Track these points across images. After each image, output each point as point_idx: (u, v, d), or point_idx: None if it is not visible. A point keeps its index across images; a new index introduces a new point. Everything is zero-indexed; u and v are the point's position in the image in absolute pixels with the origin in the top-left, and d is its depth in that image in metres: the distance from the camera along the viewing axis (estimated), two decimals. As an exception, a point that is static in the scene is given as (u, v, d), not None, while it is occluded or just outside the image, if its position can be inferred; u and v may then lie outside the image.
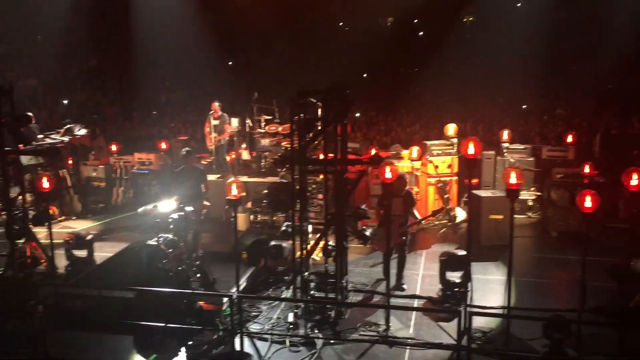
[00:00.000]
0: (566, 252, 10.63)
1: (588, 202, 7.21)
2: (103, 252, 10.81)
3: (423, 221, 10.00)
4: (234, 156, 14.55)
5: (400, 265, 9.45)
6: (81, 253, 10.09)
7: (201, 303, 8.17)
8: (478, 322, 7.75)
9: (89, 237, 10.32)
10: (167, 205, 9.87)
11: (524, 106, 20.97)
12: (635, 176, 7.14)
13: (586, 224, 7.41)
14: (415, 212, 9.48)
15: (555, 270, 10.09)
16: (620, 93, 19.64)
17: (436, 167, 12.55)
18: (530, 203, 13.04)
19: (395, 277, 9.34)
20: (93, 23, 23.09)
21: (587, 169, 11.62)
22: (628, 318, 7.64)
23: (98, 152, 15.82)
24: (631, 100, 18.03)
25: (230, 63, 25.73)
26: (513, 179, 7.59)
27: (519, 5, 25.41)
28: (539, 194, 13.02)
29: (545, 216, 12.46)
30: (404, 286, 9.35)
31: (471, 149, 7.71)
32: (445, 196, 12.39)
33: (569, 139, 13.52)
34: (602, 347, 7.38)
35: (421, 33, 28.95)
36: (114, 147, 15.23)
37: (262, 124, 14.18)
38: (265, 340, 7.83)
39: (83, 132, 14.48)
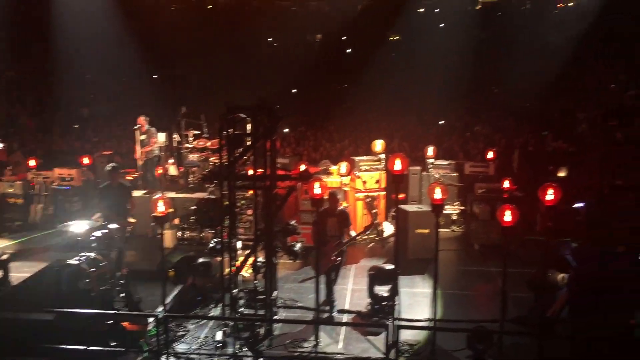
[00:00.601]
0: (488, 265, 11.04)
1: (508, 216, 7.52)
2: (20, 272, 10.28)
3: (357, 238, 9.91)
4: (161, 171, 14.23)
5: (330, 283, 9.26)
6: (-5, 274, 9.56)
7: (125, 324, 7.93)
8: (405, 335, 7.89)
9: (4, 256, 9.81)
10: (80, 226, 9.64)
11: (440, 122, 21.63)
12: (550, 191, 7.48)
13: (506, 237, 7.71)
14: (352, 232, 9.38)
15: (478, 282, 10.44)
16: (536, 112, 20.67)
17: (364, 182, 12.76)
18: (454, 217, 13.54)
19: (326, 293, 9.22)
20: (10, 32, 22.10)
21: (506, 184, 12.15)
22: (546, 327, 7.97)
23: (15, 168, 15.10)
24: (546, 119, 19.05)
25: (155, 76, 25.23)
26: (438, 194, 7.82)
27: (441, 25, 26.36)
28: (462, 208, 13.52)
29: (468, 230, 12.90)
30: (335, 303, 9.26)
31: (398, 165, 7.89)
32: (374, 211, 12.59)
33: (490, 155, 14.09)
34: (522, 355, 7.69)
35: (349, 50, 29.49)
36: (32, 162, 14.57)
37: (190, 139, 13.98)
38: None
39: (-1, 146, 13.82)
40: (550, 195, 7.51)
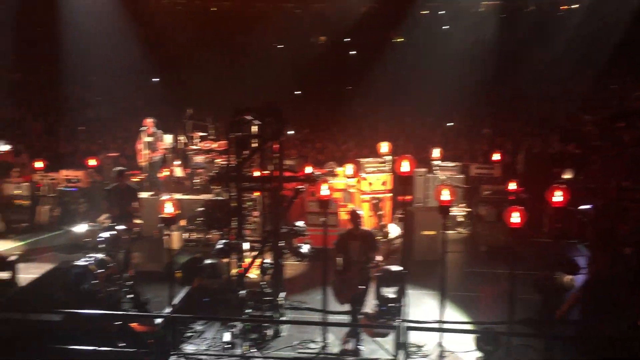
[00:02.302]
0: (494, 267, 11.01)
1: (515, 218, 7.52)
2: (27, 273, 10.30)
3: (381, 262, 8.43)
4: (167, 173, 14.26)
5: (355, 314, 8.27)
6: (3, 275, 9.57)
7: (133, 325, 7.93)
8: (413, 336, 7.88)
9: (12, 257, 9.81)
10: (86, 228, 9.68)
11: (449, 124, 21.68)
12: (558, 193, 7.49)
13: (513, 238, 7.69)
14: (378, 257, 8.25)
15: (485, 284, 10.43)
16: (542, 114, 20.64)
17: (370, 184, 12.77)
18: (460, 219, 13.55)
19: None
20: (16, 34, 22.17)
21: (512, 186, 12.14)
22: (554, 329, 7.97)
23: (22, 169, 15.15)
24: (551, 122, 19.02)
25: (156, 80, 25.25)
26: (445, 195, 7.83)
27: (445, 27, 26.36)
28: (468, 210, 13.52)
29: (474, 231, 12.90)
30: (360, 335, 8.25)
31: (405, 167, 7.90)
32: (379, 213, 12.59)
33: (496, 157, 14.09)
34: (530, 357, 7.66)
35: (353, 52, 29.50)
36: (39, 164, 14.61)
37: (196, 141, 14.00)
38: None
39: (6, 148, 13.86)
40: (558, 196, 7.52)
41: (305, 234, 9.00)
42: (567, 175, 13.07)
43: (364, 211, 12.69)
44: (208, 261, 9.56)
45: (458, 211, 13.46)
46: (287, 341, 8.31)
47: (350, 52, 29.59)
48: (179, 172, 14.45)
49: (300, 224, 9.05)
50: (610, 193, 8.52)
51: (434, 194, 8.56)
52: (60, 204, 14.18)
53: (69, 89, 22.33)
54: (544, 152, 15.61)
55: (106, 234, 9.04)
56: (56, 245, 12.40)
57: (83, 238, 11.49)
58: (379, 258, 8.27)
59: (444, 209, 7.99)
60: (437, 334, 8.01)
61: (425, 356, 7.90)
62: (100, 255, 8.79)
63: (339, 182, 12.60)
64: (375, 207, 12.61)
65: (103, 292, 8.49)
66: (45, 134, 21.56)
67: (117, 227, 9.26)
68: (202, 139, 14.08)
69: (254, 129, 8.80)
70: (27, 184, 14.26)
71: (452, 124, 21.64)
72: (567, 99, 20.62)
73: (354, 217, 8.36)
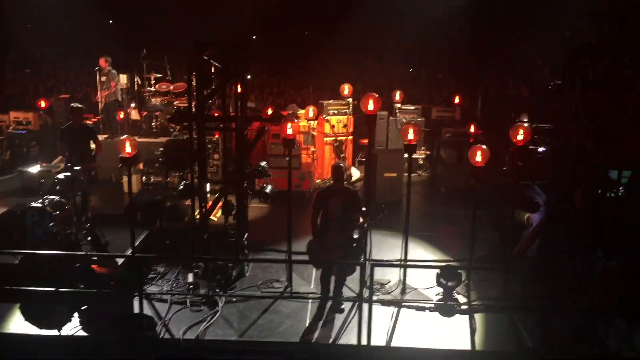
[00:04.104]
0: (454, 207, 11.15)
1: (478, 157, 7.60)
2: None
3: (367, 225, 7.43)
4: (122, 116, 13.82)
5: (338, 283, 7.56)
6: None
7: (94, 266, 7.78)
8: (377, 274, 7.95)
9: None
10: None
11: (410, 69, 21.65)
12: (521, 131, 7.61)
13: (475, 178, 7.80)
14: (361, 220, 7.34)
15: (446, 224, 10.59)
16: (498, 58, 20.75)
17: (332, 126, 12.67)
18: (421, 162, 13.60)
19: (333, 291, 7.56)
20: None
21: (472, 129, 12.26)
22: (512, 264, 8.21)
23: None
24: (507, 65, 19.16)
25: (111, 21, 24.14)
26: (411, 134, 7.84)
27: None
28: (428, 153, 13.60)
29: (434, 174, 13.02)
30: (342, 307, 7.66)
31: (371, 105, 7.82)
32: (342, 155, 12.57)
33: (456, 100, 14.16)
34: (489, 291, 7.92)
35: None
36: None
37: (152, 82, 13.56)
38: (164, 301, 7.63)
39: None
40: (520, 135, 7.64)
41: (269, 174, 8.90)
42: (523, 119, 13.25)
43: (326, 154, 12.68)
44: (170, 203, 9.41)
45: (419, 154, 13.46)
46: (252, 281, 8.30)
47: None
48: (134, 114, 14.03)
49: (263, 163, 8.93)
50: (569, 134, 8.66)
51: (401, 134, 8.54)
52: (10, 147, 13.58)
53: (17, 27, 21.15)
54: (501, 94, 15.76)
55: (62, 176, 8.76)
56: (9, 190, 11.95)
57: (37, 180, 11.09)
58: (360, 220, 7.30)
59: (409, 147, 7.99)
60: (399, 270, 8.14)
61: (388, 292, 8.04)
62: (56, 197, 8.55)
63: (301, 124, 12.45)
64: (338, 149, 12.60)
65: (61, 234, 8.29)
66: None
67: (74, 168, 8.94)
68: (158, 80, 13.64)
69: (216, 66, 8.52)
70: (-27, 127, 13.63)
71: (411, 70, 21.58)
72: (523, 42, 20.69)
73: (337, 172, 7.46)
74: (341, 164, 7.84)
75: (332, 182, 7.60)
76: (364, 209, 7.51)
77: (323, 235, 7.40)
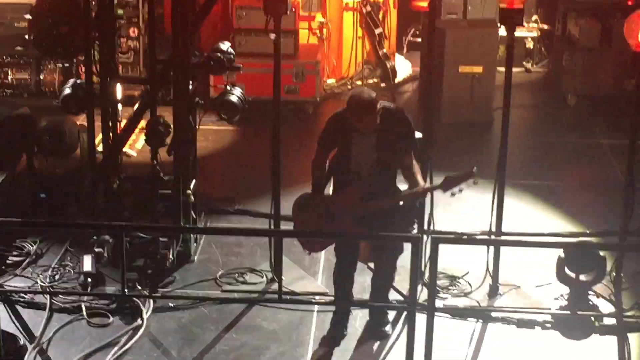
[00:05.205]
0: (593, 133, 7.71)
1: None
2: None
3: (422, 193, 4.34)
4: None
5: (380, 281, 4.57)
6: None
7: None
8: (444, 259, 4.65)
9: None
10: None
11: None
12: None
13: (637, 76, 4.57)
14: (418, 178, 4.13)
15: (576, 167, 7.22)
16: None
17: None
18: (531, 45, 9.31)
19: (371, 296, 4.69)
20: None
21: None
22: None
23: None
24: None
25: None
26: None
27: None
28: (545, 27, 9.37)
29: (557, 68, 8.89)
30: (387, 328, 4.64)
31: None
32: (378, 32, 8.46)
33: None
34: None
35: None
36: None
37: None
38: (39, 307, 4.91)
39: None
40: None
41: (238, 66, 5.30)
42: None
43: (347, 29, 8.70)
44: (45, 122, 6.09)
45: (527, 30, 9.03)
46: (204, 271, 5.31)
47: None
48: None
49: (225, 46, 5.23)
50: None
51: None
52: None
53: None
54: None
55: None
56: None
57: None
58: (418, 178, 4.05)
59: (509, 15, 4.53)
60: (486, 252, 4.99)
61: (465, 293, 5.00)
62: None
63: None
64: (369, 19, 8.44)
65: None
66: None
67: None
68: None
69: None
70: None
71: None
72: None
73: (360, 109, 3.94)
74: (369, 95, 3.99)
75: (350, 113, 4.02)
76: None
77: (337, 194, 4.27)
